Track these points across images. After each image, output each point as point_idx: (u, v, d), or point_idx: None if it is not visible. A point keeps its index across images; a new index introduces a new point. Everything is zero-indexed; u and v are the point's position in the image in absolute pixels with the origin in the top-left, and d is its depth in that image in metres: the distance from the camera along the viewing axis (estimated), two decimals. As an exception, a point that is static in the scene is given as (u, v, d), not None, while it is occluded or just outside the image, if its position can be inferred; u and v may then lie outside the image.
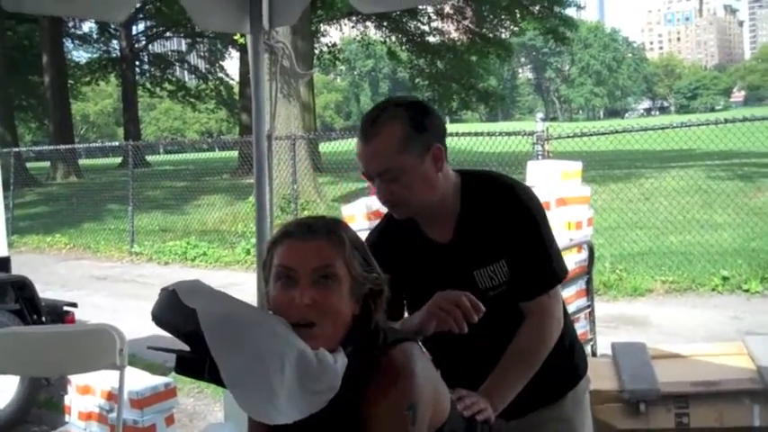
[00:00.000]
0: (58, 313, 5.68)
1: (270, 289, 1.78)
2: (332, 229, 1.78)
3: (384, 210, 2.44)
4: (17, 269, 5.82)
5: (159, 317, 1.72)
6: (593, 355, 5.67)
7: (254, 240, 12.38)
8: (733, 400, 4.59)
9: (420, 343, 1.99)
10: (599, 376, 4.82)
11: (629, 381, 4.70)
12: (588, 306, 5.68)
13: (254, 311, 1.71)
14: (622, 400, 4.63)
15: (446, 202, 2.31)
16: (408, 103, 2.27)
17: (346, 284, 1.74)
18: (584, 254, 5.59)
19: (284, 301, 1.72)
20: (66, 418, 5.08)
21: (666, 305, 8.43)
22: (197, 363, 1.68)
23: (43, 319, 5.41)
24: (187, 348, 1.74)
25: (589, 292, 5.69)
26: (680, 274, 9.22)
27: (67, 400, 5.04)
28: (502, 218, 2.27)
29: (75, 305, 5.88)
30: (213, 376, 1.64)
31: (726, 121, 9.75)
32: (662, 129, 10.61)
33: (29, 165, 26.95)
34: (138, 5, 30.58)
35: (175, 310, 1.67)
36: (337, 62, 38.05)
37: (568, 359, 2.47)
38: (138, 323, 7.31)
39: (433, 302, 2.09)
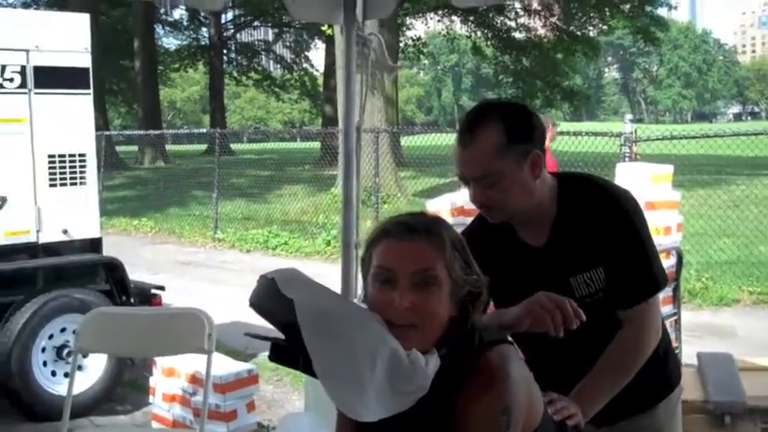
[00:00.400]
0: (146, 295, 5.82)
1: (368, 287, 1.76)
2: (432, 228, 1.74)
3: (471, 207, 2.41)
4: (106, 250, 5.97)
5: (257, 303, 1.74)
6: (678, 364, 5.54)
7: (334, 232, 12.55)
8: (824, 418, 4.44)
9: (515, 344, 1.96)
10: (684, 386, 4.72)
11: (714, 392, 4.59)
12: (674, 314, 5.55)
13: (351, 306, 1.72)
14: (707, 412, 4.52)
15: (542, 207, 2.27)
16: (508, 107, 2.23)
17: (446, 287, 1.71)
18: (673, 260, 5.46)
19: (383, 301, 1.70)
20: (150, 398, 5.18)
21: (753, 316, 8.20)
22: (292, 352, 1.70)
23: (132, 300, 5.54)
24: (281, 336, 1.76)
25: (676, 299, 5.56)
26: (768, 286, 8.96)
27: (152, 381, 5.14)
28: (600, 223, 2.22)
29: (162, 288, 6.02)
30: (307, 366, 1.65)
31: (824, 128, 9.41)
32: (755, 135, 10.31)
33: (118, 148, 27.70)
34: (229, -5, 31.00)
35: (273, 298, 1.68)
36: (421, 56, 38.02)
37: (662, 368, 2.41)
38: (220, 308, 7.46)
39: (534, 300, 2.02)
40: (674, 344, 5.53)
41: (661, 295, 5.39)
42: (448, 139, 13.82)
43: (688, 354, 5.65)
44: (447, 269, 1.71)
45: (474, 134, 2.16)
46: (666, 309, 5.47)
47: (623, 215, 2.23)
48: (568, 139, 11.18)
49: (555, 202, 2.28)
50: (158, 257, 12.56)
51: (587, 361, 2.23)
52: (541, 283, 2.11)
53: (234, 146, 31.10)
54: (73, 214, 5.66)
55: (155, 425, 5.09)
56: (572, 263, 2.26)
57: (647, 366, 2.26)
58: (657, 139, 9.94)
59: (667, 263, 5.45)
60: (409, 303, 1.67)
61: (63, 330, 5.39)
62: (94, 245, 5.79)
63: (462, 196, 5.31)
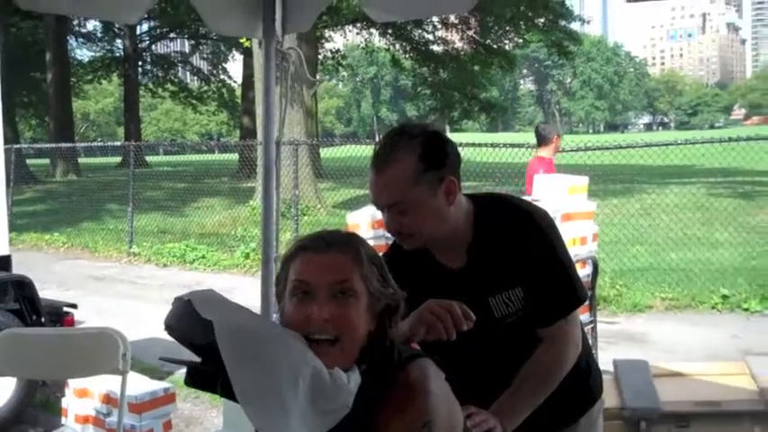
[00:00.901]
0: (58, 314, 5.64)
1: (284, 304, 1.74)
2: (348, 243, 1.75)
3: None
4: (14, 267, 5.78)
5: (173, 326, 1.69)
6: (595, 371, 5.63)
7: (252, 245, 12.42)
8: (734, 421, 4.57)
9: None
10: (600, 393, 4.80)
11: (630, 398, 4.68)
12: (591, 322, 5.66)
13: (270, 326, 1.69)
14: (623, 418, 4.61)
15: (458, 231, 2.27)
16: (423, 134, 2.21)
17: (364, 300, 1.71)
18: (588, 269, 5.57)
19: (301, 316, 1.68)
20: (63, 420, 5.04)
21: (666, 322, 8.40)
22: (209, 375, 1.66)
23: (42, 319, 5.36)
24: (197, 359, 1.72)
25: (592, 307, 5.67)
26: (680, 291, 9.20)
27: (64, 402, 5.00)
28: (517, 243, 2.23)
29: (75, 306, 5.84)
30: (226, 390, 1.61)
31: (730, 139, 9.75)
32: (666, 145, 10.61)
33: (29, 161, 26.93)
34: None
35: (191, 320, 1.64)
36: (340, 68, 38.04)
37: (584, 380, 2.42)
38: (136, 324, 7.30)
39: (423, 308, 2.03)
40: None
41: (578, 305, 5.43)
42: (367, 150, 13.84)
43: (604, 360, 5.75)
44: (364, 282, 1.71)
45: (389, 160, 2.15)
46: (583, 317, 5.57)
47: (540, 234, 2.25)
48: (485, 150, 11.33)
49: (471, 225, 2.28)
50: (70, 273, 12.23)
51: (508, 378, 2.23)
52: None
53: (149, 158, 30.47)
54: (-20, 231, 5.46)
55: (67, 447, 4.95)
56: (490, 283, 2.26)
57: (570, 379, 2.27)
58: (573, 151, 10.14)
59: (583, 272, 5.55)
60: (328, 315, 1.66)
61: (-30, 351, 5.18)
62: (3, 262, 5.59)
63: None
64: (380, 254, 2.48)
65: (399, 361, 1.72)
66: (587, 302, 5.63)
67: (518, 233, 2.24)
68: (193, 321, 1.63)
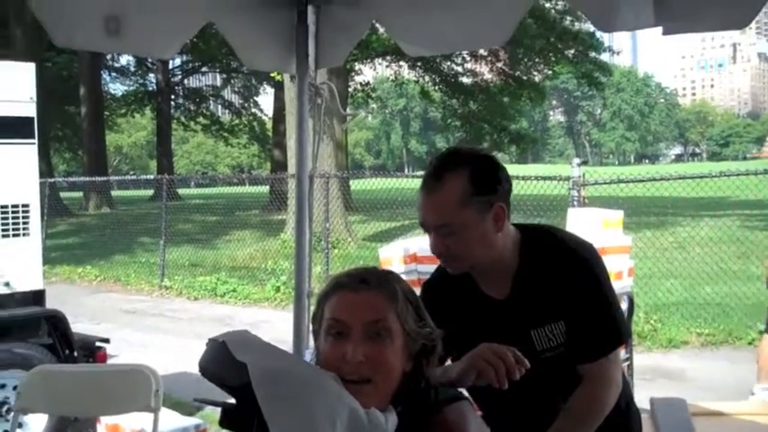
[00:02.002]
0: (91, 348, 5.63)
1: (320, 343, 1.72)
2: (385, 281, 1.73)
3: (423, 254, 2.37)
4: (48, 301, 5.79)
5: (207, 368, 1.67)
6: (631, 409, 5.52)
7: (283, 278, 12.43)
8: (776, 462, 4.45)
9: (471, 399, 1.91)
10: (638, 432, 4.70)
11: (668, 438, 4.57)
12: (627, 359, 5.56)
13: (306, 367, 1.66)
14: (662, 458, 4.50)
15: (504, 259, 2.24)
16: (476, 158, 2.20)
17: (399, 340, 1.68)
18: (624, 305, 5.48)
19: (336, 355, 1.66)
20: (95, 456, 5.03)
21: (702, 358, 8.26)
22: (244, 417, 1.63)
23: (75, 354, 5.36)
24: (232, 400, 1.69)
25: (628, 344, 5.57)
26: (716, 327, 9.05)
27: (96, 438, 5.00)
28: (562, 278, 2.20)
29: (107, 341, 5.84)
30: None
31: (765, 171, 9.60)
32: (700, 177, 10.49)
33: (62, 194, 27.24)
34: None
35: (225, 362, 1.62)
36: (370, 100, 38.22)
37: (624, 422, 2.37)
38: (166, 359, 7.30)
39: (476, 353, 1.99)
40: (627, 389, 5.53)
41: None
42: (396, 183, 13.85)
43: (640, 398, 5.64)
44: (400, 321, 1.69)
45: (440, 181, 2.14)
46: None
47: (586, 269, 2.22)
48: (517, 183, 11.25)
49: (518, 254, 2.26)
50: (102, 306, 12.30)
51: (547, 417, 2.19)
52: (502, 337, 2.06)
53: (182, 191, 30.82)
54: (15, 266, 5.49)
55: (99, 485, 4.92)
56: (533, 316, 2.22)
57: (609, 420, 2.22)
58: (606, 183, 10.05)
59: (619, 308, 5.46)
60: (362, 356, 1.64)
61: (2, 386, 5.19)
62: (37, 297, 5.61)
63: (416, 243, 5.29)
64: (415, 289, 2.46)
65: (436, 402, 1.68)
66: (623, 339, 5.53)
67: (564, 266, 2.20)
68: (228, 363, 1.61)
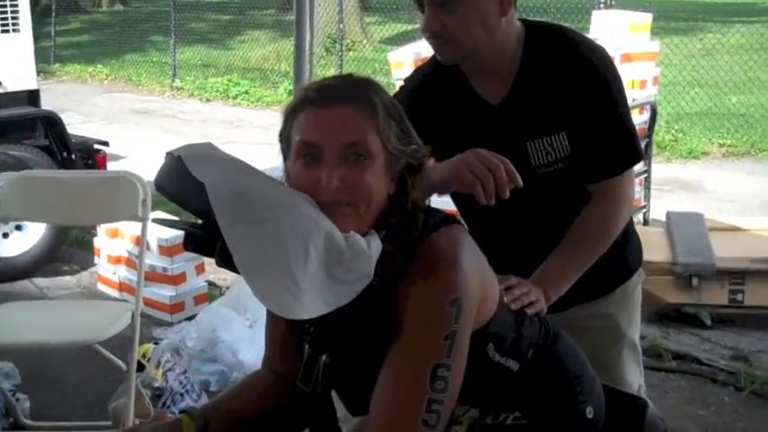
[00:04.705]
0: (89, 151, 5.45)
1: (290, 165, 1.49)
2: (362, 93, 1.47)
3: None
4: (59, 98, 5.59)
5: (163, 187, 1.47)
6: (646, 223, 5.40)
7: (296, 81, 12.10)
8: (793, 280, 4.37)
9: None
10: (651, 247, 4.57)
11: (683, 254, 4.49)
12: (645, 171, 5.37)
13: (274, 187, 1.44)
14: (674, 274, 4.44)
15: (504, 54, 1.96)
16: None
17: (381, 160, 1.45)
18: (646, 115, 5.23)
19: (308, 182, 1.44)
20: (96, 259, 4.97)
21: (722, 169, 8.05)
22: (208, 242, 1.43)
23: (73, 156, 5.20)
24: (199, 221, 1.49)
25: (647, 156, 5.36)
26: (738, 138, 8.79)
27: (96, 242, 4.92)
28: (566, 83, 1.93)
29: (106, 143, 5.66)
30: (224, 259, 1.39)
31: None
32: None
33: (74, -10, 26.48)
34: None
35: (182, 181, 1.41)
36: None
37: (621, 252, 2.15)
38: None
39: (462, 161, 1.75)
40: (642, 202, 5.40)
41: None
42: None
43: (657, 209, 5.51)
44: (381, 139, 1.45)
45: None
46: (637, 166, 5.29)
47: (594, 75, 1.94)
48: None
49: (520, 52, 1.98)
50: (114, 106, 12.07)
51: (549, 241, 1.99)
52: (493, 146, 1.81)
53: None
54: (6, 64, 5.23)
55: (101, 287, 4.89)
56: (532, 125, 1.97)
57: (607, 251, 2.02)
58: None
59: (641, 118, 5.23)
60: (339, 182, 1.41)
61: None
62: (32, 98, 5.39)
63: (428, 47, 4.97)
64: (414, 76, 2.20)
65: (425, 228, 1.47)
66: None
67: (570, 70, 1.93)
68: (185, 182, 1.40)
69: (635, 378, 2.26)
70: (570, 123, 1.96)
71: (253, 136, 9.62)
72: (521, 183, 1.73)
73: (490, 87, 2.01)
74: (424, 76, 2.11)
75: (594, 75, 1.94)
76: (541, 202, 2.01)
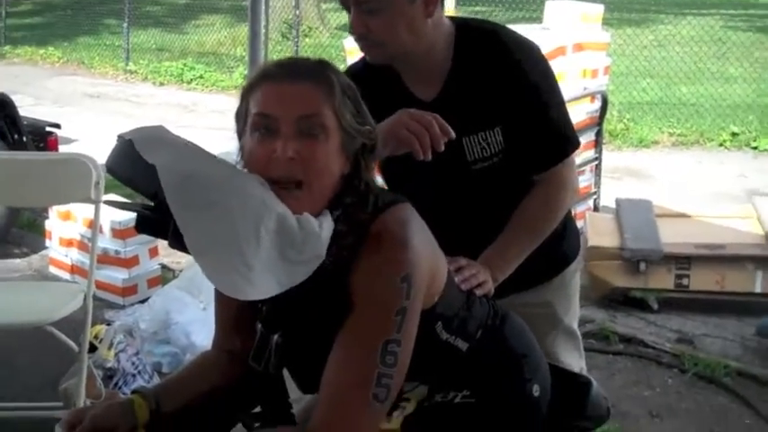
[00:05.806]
0: (41, 134, 5.39)
1: (245, 142, 1.53)
2: (319, 71, 1.51)
3: None
4: (10, 80, 5.50)
5: (114, 170, 1.48)
6: (596, 209, 5.50)
7: (252, 66, 12.04)
8: (736, 265, 4.50)
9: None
10: (600, 232, 4.69)
11: (631, 239, 4.59)
12: (595, 159, 5.47)
13: (225, 168, 1.46)
14: (622, 258, 4.54)
15: (434, 54, 2.00)
16: None
17: (335, 138, 1.49)
18: (597, 104, 5.32)
19: (262, 154, 1.47)
20: (47, 242, 4.93)
21: (672, 158, 8.20)
22: (161, 224, 1.45)
23: (24, 139, 5.13)
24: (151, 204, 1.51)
25: (597, 144, 5.46)
26: (688, 127, 8.95)
27: (48, 224, 4.87)
28: (498, 78, 1.98)
29: (58, 126, 5.59)
30: (177, 241, 1.41)
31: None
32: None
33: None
34: None
35: (134, 164, 1.42)
36: None
37: (559, 241, 2.22)
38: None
39: (398, 121, 1.82)
40: (593, 189, 5.49)
41: (583, 140, 5.28)
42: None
43: (607, 196, 5.60)
44: (336, 117, 1.49)
45: None
46: (588, 154, 5.39)
47: (525, 75, 1.99)
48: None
49: (451, 51, 2.02)
50: (66, 89, 11.88)
51: (485, 231, 2.05)
52: None
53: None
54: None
55: (52, 269, 4.86)
56: (465, 121, 1.99)
57: (544, 245, 2.09)
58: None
59: (591, 107, 5.32)
60: (293, 153, 1.45)
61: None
62: (-18, 79, 5.31)
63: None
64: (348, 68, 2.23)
65: (375, 208, 1.51)
66: (594, 138, 5.42)
67: (499, 70, 1.98)
68: (136, 165, 1.41)
69: (574, 362, 2.32)
70: (503, 119, 2.01)
71: (207, 120, 9.56)
72: (453, 135, 1.81)
73: (422, 85, 2.05)
74: (354, 75, 2.12)
75: (522, 74, 1.99)
76: (479, 196, 2.07)
